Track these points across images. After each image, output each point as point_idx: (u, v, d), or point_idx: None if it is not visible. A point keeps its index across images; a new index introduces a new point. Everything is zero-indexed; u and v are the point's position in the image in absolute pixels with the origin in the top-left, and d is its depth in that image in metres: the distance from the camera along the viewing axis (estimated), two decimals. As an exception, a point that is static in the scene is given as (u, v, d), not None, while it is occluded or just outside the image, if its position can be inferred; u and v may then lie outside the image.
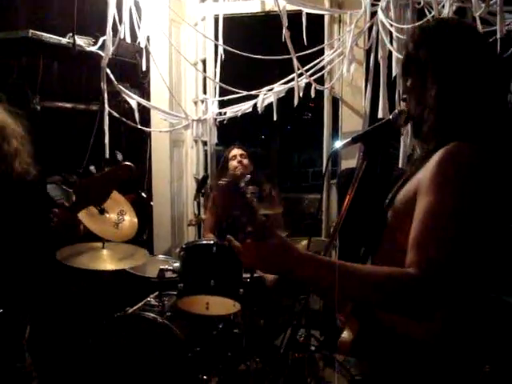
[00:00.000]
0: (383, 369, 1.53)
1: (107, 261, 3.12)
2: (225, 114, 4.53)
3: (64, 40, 3.82)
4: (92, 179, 2.24)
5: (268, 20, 4.22)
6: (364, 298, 1.35)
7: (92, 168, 2.52)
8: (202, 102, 4.70)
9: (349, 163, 4.21)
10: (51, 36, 3.73)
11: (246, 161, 4.26)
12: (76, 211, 2.23)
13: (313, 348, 3.69)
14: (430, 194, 1.39)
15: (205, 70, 4.69)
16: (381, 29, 3.72)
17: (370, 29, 3.88)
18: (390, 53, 3.74)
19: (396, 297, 1.29)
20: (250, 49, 4.22)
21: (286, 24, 3.70)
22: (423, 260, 1.30)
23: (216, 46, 4.45)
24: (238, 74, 4.95)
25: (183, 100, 4.79)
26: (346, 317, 1.65)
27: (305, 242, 3.67)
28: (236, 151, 4.28)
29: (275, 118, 4.25)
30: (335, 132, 4.49)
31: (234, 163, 4.24)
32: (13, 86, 3.58)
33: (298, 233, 4.12)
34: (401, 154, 3.82)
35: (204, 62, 4.71)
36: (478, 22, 3.25)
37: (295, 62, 3.87)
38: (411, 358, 1.46)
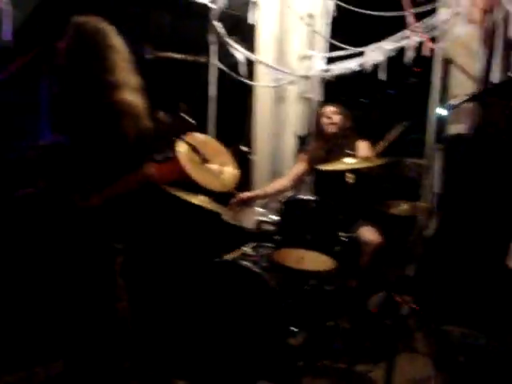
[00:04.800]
0: None
1: (202, 200, 3.23)
2: (331, 71, 4.46)
3: (177, -9, 3.89)
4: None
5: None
6: None
7: (162, 114, 2.60)
8: (309, 58, 4.65)
9: (456, 128, 4.06)
10: (164, -13, 3.80)
11: (336, 117, 4.11)
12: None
13: (404, 313, 3.67)
14: None
15: (313, 26, 4.62)
16: (501, -13, 3.53)
17: (490, -13, 3.69)
18: (509, 14, 3.54)
19: None
20: (361, 4, 4.12)
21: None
22: None
23: (325, 0, 4.37)
24: (346, 30, 4.83)
25: (290, 55, 4.76)
26: None
27: (405, 206, 3.61)
28: (327, 108, 4.15)
29: (383, 78, 4.14)
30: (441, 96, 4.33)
31: (324, 120, 4.15)
32: (127, 36, 3.69)
33: (397, 196, 4.04)
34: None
35: (313, 16, 4.63)
36: None
37: (410, 18, 3.74)
38: None
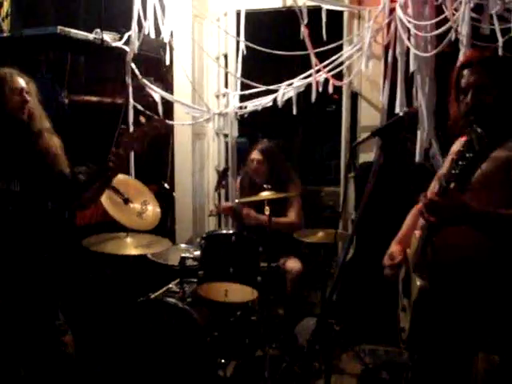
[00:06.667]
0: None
1: (131, 247, 3.24)
2: (245, 107, 4.62)
3: (91, 36, 3.95)
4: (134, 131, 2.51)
5: (289, 15, 4.29)
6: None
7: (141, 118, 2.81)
8: (224, 95, 4.79)
9: (366, 157, 4.29)
10: (78, 32, 3.85)
11: (261, 168, 4.24)
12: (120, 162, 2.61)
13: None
14: None
15: (226, 65, 4.78)
16: (399, 25, 3.77)
17: (389, 25, 3.94)
18: (408, 49, 3.79)
19: None
20: (272, 44, 4.30)
21: (305, 21, 3.82)
22: None
23: (238, 42, 4.55)
24: (259, 68, 5.04)
25: (205, 94, 4.90)
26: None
27: (321, 234, 3.76)
28: (254, 155, 4.26)
29: (294, 113, 4.34)
30: (353, 126, 4.56)
31: (252, 166, 4.28)
32: (41, 81, 3.72)
33: (316, 224, 4.20)
34: (418, 149, 3.87)
35: (226, 56, 4.80)
36: (495, 18, 3.31)
37: (313, 58, 3.96)
38: (473, 273, 2.08)
